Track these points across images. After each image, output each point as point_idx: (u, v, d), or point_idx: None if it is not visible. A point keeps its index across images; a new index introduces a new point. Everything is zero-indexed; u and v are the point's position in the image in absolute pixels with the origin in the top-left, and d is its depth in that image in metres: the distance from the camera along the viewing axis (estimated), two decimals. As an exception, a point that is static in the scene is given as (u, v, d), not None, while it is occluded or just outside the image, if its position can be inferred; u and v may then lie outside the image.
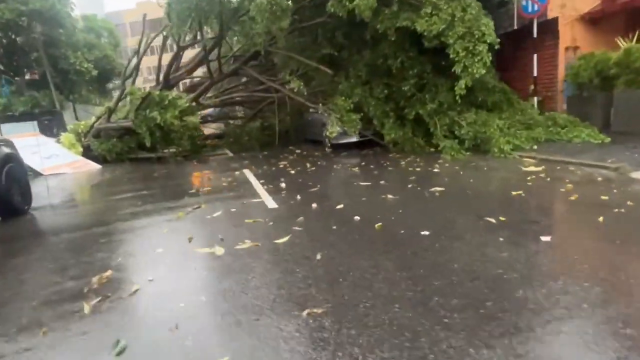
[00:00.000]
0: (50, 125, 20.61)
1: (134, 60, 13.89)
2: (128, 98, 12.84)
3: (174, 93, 11.38)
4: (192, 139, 11.48)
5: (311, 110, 11.77)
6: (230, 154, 11.96)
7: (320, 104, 9.67)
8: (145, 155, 12.63)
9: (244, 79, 14.21)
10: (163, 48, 13.21)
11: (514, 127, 7.85)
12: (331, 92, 9.96)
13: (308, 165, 8.30)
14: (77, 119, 23.84)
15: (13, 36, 22.43)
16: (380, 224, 3.99)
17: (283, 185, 6.36)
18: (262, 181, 6.85)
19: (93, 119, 14.18)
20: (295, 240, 3.76)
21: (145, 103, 11.09)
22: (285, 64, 12.96)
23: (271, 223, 4.35)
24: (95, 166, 11.71)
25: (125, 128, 12.20)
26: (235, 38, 11.90)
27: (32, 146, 10.41)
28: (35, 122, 20.02)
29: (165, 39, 13.15)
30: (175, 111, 11.00)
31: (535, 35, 8.52)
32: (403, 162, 7.58)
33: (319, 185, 6.08)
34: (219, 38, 10.36)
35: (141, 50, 13.45)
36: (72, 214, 5.88)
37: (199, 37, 11.82)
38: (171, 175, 8.94)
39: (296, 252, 3.46)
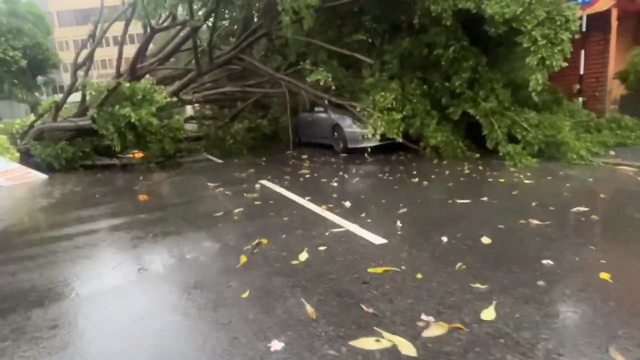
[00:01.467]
0: (-34, 124, 16.84)
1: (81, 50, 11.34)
2: (83, 92, 10.39)
3: (147, 85, 9.17)
4: (175, 142, 9.33)
5: (316, 109, 10.22)
6: (218, 160, 10.00)
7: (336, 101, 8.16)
8: (106, 161, 10.28)
9: (210, 75, 12.12)
10: (126, 31, 10.79)
11: (574, 130, 6.94)
12: (349, 87, 8.48)
13: (345, 175, 6.73)
14: (-1, 117, 19.97)
15: None
16: (607, 274, 2.60)
17: (347, 204, 4.75)
18: (307, 198, 5.18)
19: (32, 116, 11.40)
20: (506, 309, 2.24)
21: (111, 97, 8.79)
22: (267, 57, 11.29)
23: (419, 275, 2.77)
24: (39, 176, 9.14)
25: (81, 128, 9.76)
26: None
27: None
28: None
29: (128, 21, 10.78)
30: (151, 107, 8.82)
31: (584, 29, 7.76)
32: (467, 171, 6.31)
33: (401, 205, 4.56)
34: (212, 11, 8.34)
35: (97, 34, 11.01)
36: (43, 258, 3.78)
37: (179, 17, 9.71)
38: (164, 189, 6.89)
39: (546, 342, 1.94)
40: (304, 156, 9.32)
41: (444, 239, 3.41)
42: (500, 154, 6.75)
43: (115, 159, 10.41)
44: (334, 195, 5.26)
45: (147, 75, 12.98)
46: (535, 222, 3.71)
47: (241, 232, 4.04)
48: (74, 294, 2.88)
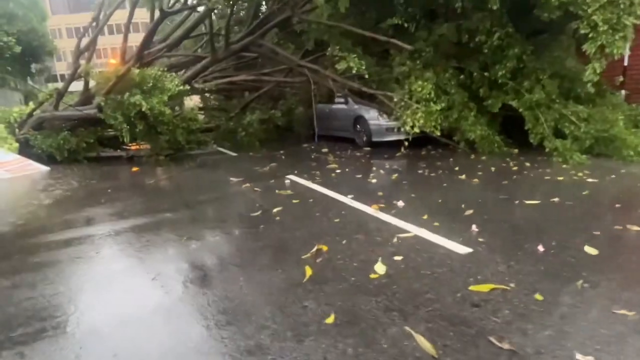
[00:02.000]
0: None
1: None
2: (86, 79, 9.79)
3: (158, 72, 8.55)
4: (189, 133, 8.75)
5: (336, 99, 9.68)
6: (231, 153, 9.45)
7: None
8: (112, 153, 9.71)
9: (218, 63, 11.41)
10: (132, 15, 10.10)
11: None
12: (375, 77, 7.91)
13: (379, 170, 6.22)
14: (-7, 106, 19.17)
15: None
16: None
17: (400, 204, 4.25)
18: (350, 196, 4.66)
19: (31, 105, 10.72)
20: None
21: (119, 85, 8.18)
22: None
23: (539, 296, 2.28)
24: (41, 168, 8.53)
25: (85, 117, 9.13)
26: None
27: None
28: None
29: (134, 4, 10.11)
30: (163, 96, 8.23)
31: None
32: (514, 167, 5.83)
33: (463, 205, 4.06)
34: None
35: (102, 18, 10.38)
36: (57, 268, 3.24)
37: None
38: (183, 184, 6.33)
39: None
40: (324, 150, 8.78)
41: (540, 248, 2.93)
42: (547, 149, 6.27)
43: (119, 150, 9.85)
44: (379, 194, 4.75)
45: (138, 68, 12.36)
46: (635, 228, 3.23)
47: (290, 236, 3.53)
48: (108, 317, 2.35)
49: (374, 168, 6.41)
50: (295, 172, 6.33)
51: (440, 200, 4.42)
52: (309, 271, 2.76)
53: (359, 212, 4.14)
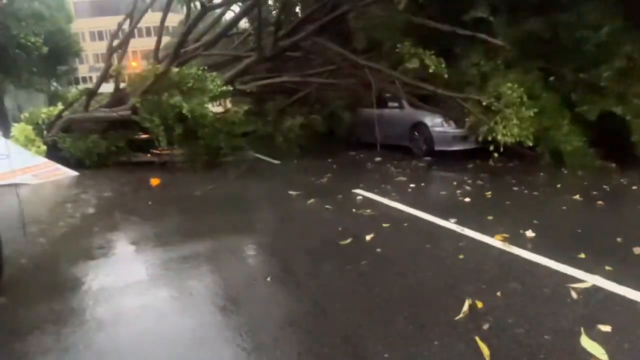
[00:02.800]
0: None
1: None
2: (117, 79, 9.19)
3: (198, 71, 7.82)
4: (232, 138, 7.99)
5: (390, 104, 8.82)
6: (273, 161, 8.64)
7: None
8: (144, 158, 9.01)
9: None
10: (168, 10, 9.41)
11: None
12: (442, 79, 7.00)
13: (463, 185, 5.26)
14: (18, 107, 18.91)
15: None
16: None
17: (529, 234, 3.33)
18: (452, 220, 3.76)
19: (60, 105, 10.13)
20: None
21: (157, 85, 7.48)
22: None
23: None
24: (69, 173, 7.86)
25: (117, 120, 8.45)
26: None
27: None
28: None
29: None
30: (205, 97, 7.50)
31: None
32: (634, 186, 4.85)
33: (618, 239, 3.13)
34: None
35: (136, 15, 9.78)
36: (97, 325, 2.43)
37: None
38: (237, 197, 5.51)
39: None
40: (378, 159, 7.90)
41: None
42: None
43: (150, 155, 9.17)
44: (489, 218, 3.84)
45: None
46: None
47: (415, 281, 2.64)
48: None
49: (454, 183, 5.48)
50: (361, 185, 5.46)
51: (579, 230, 3.48)
52: (484, 348, 1.87)
53: (481, 245, 3.23)
